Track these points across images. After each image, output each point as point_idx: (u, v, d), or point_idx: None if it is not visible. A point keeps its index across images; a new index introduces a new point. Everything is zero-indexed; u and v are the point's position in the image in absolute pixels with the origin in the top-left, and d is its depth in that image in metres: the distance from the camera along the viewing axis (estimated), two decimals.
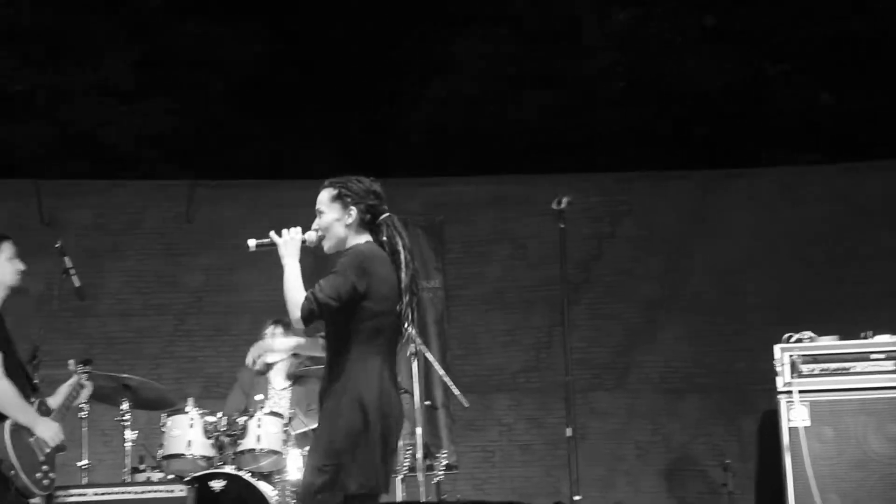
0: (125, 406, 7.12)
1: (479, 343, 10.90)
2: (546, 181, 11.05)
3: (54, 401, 5.96)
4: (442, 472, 8.18)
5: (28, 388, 5.76)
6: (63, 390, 6.01)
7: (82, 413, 6.98)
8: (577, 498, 6.31)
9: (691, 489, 10.51)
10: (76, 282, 7.08)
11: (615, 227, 11.01)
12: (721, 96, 12.56)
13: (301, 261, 5.20)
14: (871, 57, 12.25)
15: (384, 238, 5.17)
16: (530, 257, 10.92)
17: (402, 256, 5.10)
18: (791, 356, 7.44)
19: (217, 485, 7.04)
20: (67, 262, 7.11)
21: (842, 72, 12.37)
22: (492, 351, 10.88)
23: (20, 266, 5.82)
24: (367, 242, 5.17)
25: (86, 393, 6.13)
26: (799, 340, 7.51)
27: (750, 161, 11.99)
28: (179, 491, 6.48)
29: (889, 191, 10.88)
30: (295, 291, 5.10)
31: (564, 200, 6.79)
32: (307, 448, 7.49)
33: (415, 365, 7.81)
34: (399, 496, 8.07)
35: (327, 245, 5.28)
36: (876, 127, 12.16)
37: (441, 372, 8.44)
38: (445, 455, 8.46)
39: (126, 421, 7.12)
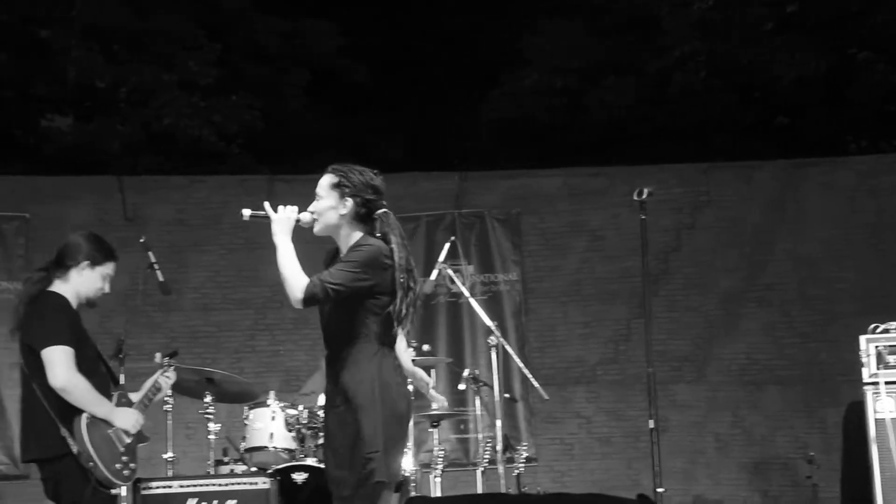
0: (208, 399, 7.17)
1: (556, 335, 10.87)
2: (623, 172, 10.99)
3: (137, 395, 6.03)
4: (522, 465, 8.16)
5: (108, 382, 5.82)
6: (146, 384, 6.07)
7: (167, 406, 7.06)
8: (660, 490, 6.25)
9: (774, 482, 10.40)
10: (160, 276, 7.13)
11: (695, 217, 10.91)
12: (803, 85, 12.41)
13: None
14: None
15: (377, 234, 5.13)
16: (608, 249, 10.86)
17: (396, 254, 5.05)
18: (877, 347, 7.32)
19: (299, 477, 7.06)
20: (151, 256, 7.17)
21: None
22: (570, 343, 10.84)
23: (106, 289, 5.88)
24: (376, 237, 5.13)
25: (168, 385, 6.18)
26: (885, 331, 7.38)
27: (832, 150, 11.84)
28: (262, 483, 6.51)
29: None
30: (294, 270, 5.15)
31: (646, 191, 6.72)
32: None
33: (494, 357, 7.81)
34: (479, 488, 8.07)
35: (317, 228, 5.27)
36: None
37: (520, 364, 8.42)
38: (525, 447, 8.45)
39: (209, 414, 7.17)
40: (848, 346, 7.73)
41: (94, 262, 5.75)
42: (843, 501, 8.75)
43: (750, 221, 10.90)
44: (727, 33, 12.27)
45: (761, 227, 10.87)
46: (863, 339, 7.39)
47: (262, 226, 11.82)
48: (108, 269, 5.82)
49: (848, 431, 8.33)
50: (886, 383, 7.21)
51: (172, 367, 6.25)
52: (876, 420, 7.23)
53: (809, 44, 12.11)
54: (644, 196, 6.66)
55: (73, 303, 5.71)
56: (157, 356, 6.33)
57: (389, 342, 5.06)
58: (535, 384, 8.25)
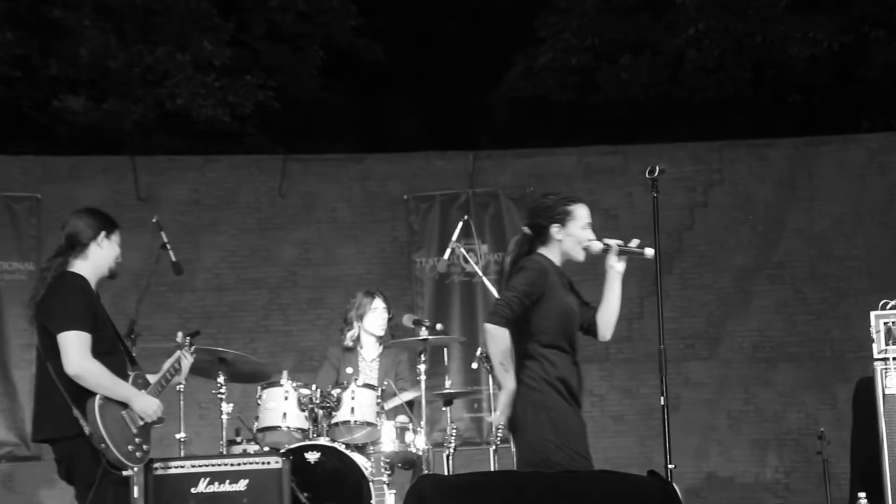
0: (221, 379, 7.17)
1: None
2: (637, 151, 10.98)
3: (155, 377, 6.04)
4: None
5: (125, 362, 5.86)
6: (166, 364, 6.09)
7: (180, 387, 7.10)
8: (670, 466, 6.26)
9: (785, 458, 10.42)
10: (172, 256, 7.17)
11: (707, 196, 10.90)
12: (816, 63, 12.36)
13: None
14: None
15: None
16: (622, 227, 10.80)
17: None
18: (886, 323, 7.33)
19: (312, 457, 7.10)
20: (164, 236, 7.21)
21: None
22: None
23: (120, 258, 5.90)
24: None
25: (187, 366, 6.19)
26: (895, 308, 7.39)
27: (845, 128, 11.79)
28: (275, 463, 6.50)
29: None
30: None
31: (658, 169, 6.71)
32: (400, 418, 7.59)
33: None
34: (492, 467, 8.10)
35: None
36: None
37: None
38: None
39: (222, 394, 7.16)
40: (859, 322, 7.75)
41: (109, 232, 5.81)
42: (853, 476, 8.77)
43: (762, 199, 10.88)
44: (742, 11, 12.22)
45: (774, 204, 10.85)
46: (873, 315, 7.40)
47: (277, 206, 11.91)
48: (119, 237, 5.88)
49: (858, 407, 8.34)
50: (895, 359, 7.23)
51: (193, 347, 6.28)
52: (885, 395, 7.25)
53: (823, 22, 12.05)
54: (656, 174, 6.63)
55: (93, 282, 5.75)
56: (179, 335, 6.35)
57: None
58: None
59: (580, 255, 5.67)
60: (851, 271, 10.42)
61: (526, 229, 5.73)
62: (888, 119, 12.09)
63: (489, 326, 5.48)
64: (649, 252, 5.61)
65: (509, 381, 5.46)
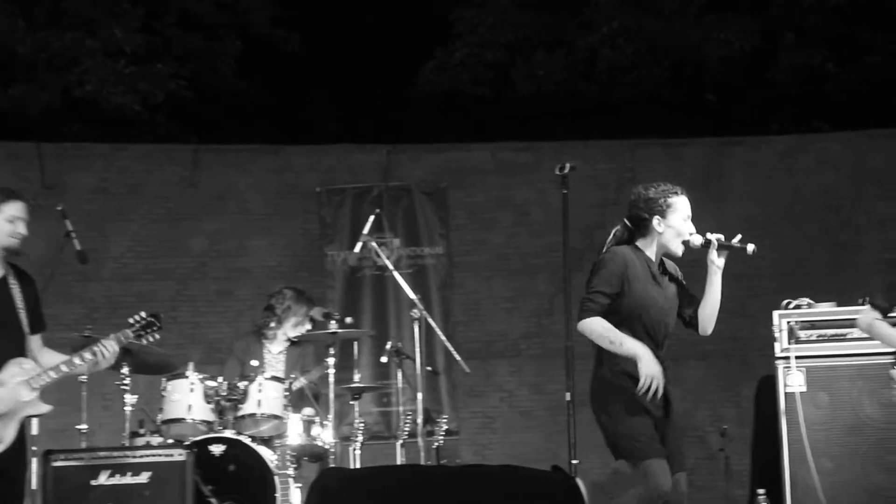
0: (125, 370, 7.10)
1: (481, 309, 10.91)
2: (551, 148, 11.03)
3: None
4: (442, 437, 8.20)
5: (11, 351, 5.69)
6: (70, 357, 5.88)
7: (82, 377, 6.98)
8: (574, 462, 6.31)
9: (690, 455, 10.47)
10: (77, 245, 7.07)
11: (619, 194, 10.95)
12: (729, 64, 12.51)
13: None
14: (876, 27, 12.20)
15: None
16: (534, 224, 10.90)
17: None
18: (789, 322, 7.45)
19: (217, 449, 7.06)
20: (68, 225, 7.11)
21: (847, 41, 12.32)
22: (494, 317, 10.89)
23: (21, 230, 5.71)
24: None
25: (110, 353, 5.94)
26: (797, 307, 7.51)
27: (756, 129, 11.96)
28: (179, 455, 6.44)
29: (885, 160, 10.84)
30: None
31: (567, 166, 6.75)
32: (306, 411, 7.55)
33: (417, 331, 7.83)
34: (399, 461, 8.10)
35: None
36: (879, 96, 12.13)
37: (443, 338, 8.46)
38: (446, 420, 8.48)
39: (126, 385, 7.09)
40: (765, 322, 7.85)
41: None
42: (754, 473, 8.91)
43: None
44: (657, 10, 12.33)
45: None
46: (776, 314, 7.52)
47: (187, 196, 11.77)
48: (12, 209, 5.67)
49: (759, 405, 8.48)
50: (797, 358, 7.35)
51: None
52: (786, 394, 7.38)
53: (736, 24, 12.20)
54: (566, 171, 6.68)
55: None
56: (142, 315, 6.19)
57: None
58: (458, 357, 8.31)
59: (679, 249, 5.65)
60: (760, 271, 10.55)
61: (626, 220, 5.73)
62: (796, 122, 12.28)
63: (579, 326, 5.50)
64: (751, 247, 5.57)
65: (629, 345, 5.42)
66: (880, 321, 5.95)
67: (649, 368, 5.34)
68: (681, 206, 5.64)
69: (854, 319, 6.01)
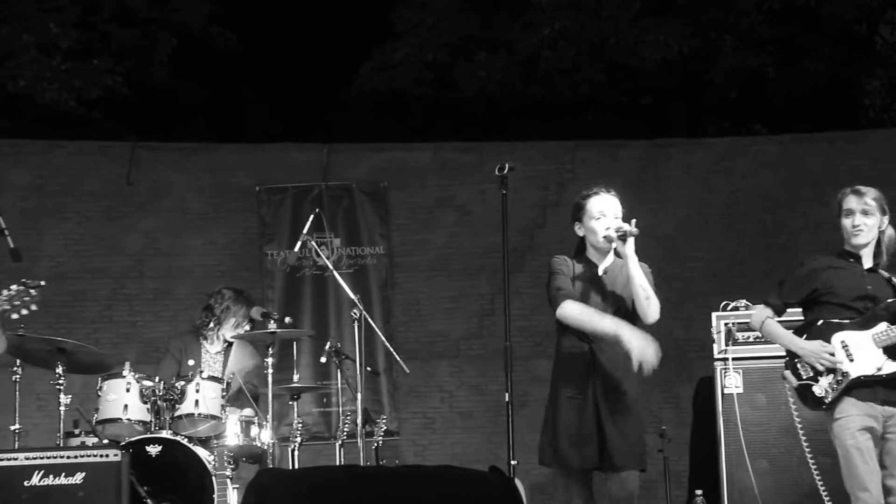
0: (60, 370, 7.01)
1: (422, 310, 10.89)
2: (492, 148, 11.03)
3: None
4: (381, 438, 8.17)
5: None
6: None
7: (16, 377, 6.88)
8: (513, 462, 6.31)
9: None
10: (10, 243, 6.95)
11: (560, 195, 10.98)
12: (667, 67, 12.60)
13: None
14: (813, 31, 12.34)
15: None
16: (475, 224, 10.89)
17: None
18: (727, 324, 7.51)
19: (153, 450, 6.99)
20: (1, 222, 6.98)
21: (785, 45, 12.46)
22: (435, 318, 10.87)
23: None
24: None
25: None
26: (734, 308, 7.57)
27: (694, 131, 12.06)
28: (114, 455, 6.37)
29: (821, 163, 10.96)
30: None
31: (507, 166, 6.75)
32: (246, 411, 7.50)
33: (357, 331, 7.79)
34: (339, 461, 8.06)
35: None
36: (816, 99, 12.28)
37: (383, 338, 8.43)
38: (385, 421, 8.45)
39: (61, 384, 7.00)
40: (701, 323, 7.91)
41: None
42: (692, 474, 8.96)
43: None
44: (596, 12, 12.39)
45: (622, 205, 10.98)
46: (714, 315, 7.57)
47: (124, 194, 11.65)
48: None
49: (698, 406, 8.53)
50: (734, 359, 7.41)
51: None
52: (724, 395, 7.43)
53: (673, 27, 12.29)
54: (506, 171, 6.68)
55: None
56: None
57: None
58: (398, 358, 8.28)
59: (605, 245, 5.81)
60: (695, 272, 10.64)
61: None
62: (734, 124, 12.40)
63: (558, 314, 5.83)
64: (630, 227, 5.70)
65: (608, 323, 5.61)
66: (772, 320, 5.99)
67: (634, 342, 5.51)
68: (591, 206, 5.85)
69: (796, 322, 6.03)
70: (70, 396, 7.04)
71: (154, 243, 10.68)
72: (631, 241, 5.68)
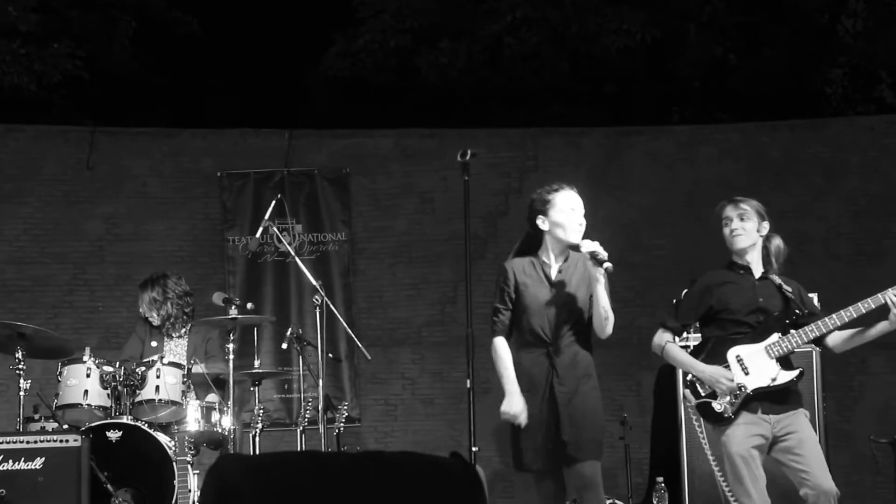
0: (20, 355, 6.98)
1: (384, 296, 10.88)
2: (454, 135, 11.03)
3: None
4: (343, 425, 8.16)
5: None
6: None
7: None
8: (474, 449, 6.33)
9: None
10: None
11: (522, 182, 11.00)
12: (630, 55, 12.63)
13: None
14: (776, 20, 12.40)
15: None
16: (437, 211, 10.89)
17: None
18: None
19: (113, 435, 6.97)
20: None
21: (748, 33, 12.51)
22: (397, 305, 10.86)
23: None
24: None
25: None
26: None
27: (657, 119, 12.09)
28: (74, 441, 6.36)
29: (784, 151, 11.03)
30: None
31: (469, 153, 6.74)
32: (210, 397, 7.47)
33: (318, 317, 7.76)
34: (300, 448, 8.04)
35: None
36: (779, 88, 12.35)
37: (345, 325, 8.41)
38: (346, 407, 8.44)
39: (21, 370, 6.97)
40: (663, 311, 7.94)
41: None
42: (652, 460, 9.02)
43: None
44: (559, 0, 12.39)
45: (586, 193, 10.99)
46: (675, 303, 7.59)
47: (84, 179, 11.57)
48: None
49: (659, 394, 8.57)
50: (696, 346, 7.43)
51: None
52: (685, 382, 7.45)
53: (637, 15, 12.32)
54: (467, 158, 6.67)
55: None
56: None
57: None
58: (360, 345, 8.27)
59: (572, 237, 5.81)
60: (658, 260, 10.68)
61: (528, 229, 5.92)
62: (698, 113, 12.45)
63: (492, 344, 5.82)
64: (608, 263, 5.70)
65: (505, 379, 5.85)
66: (672, 344, 6.11)
67: (507, 406, 5.82)
68: (560, 201, 5.85)
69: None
70: (30, 381, 7.00)
71: (114, 228, 10.62)
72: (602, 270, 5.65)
